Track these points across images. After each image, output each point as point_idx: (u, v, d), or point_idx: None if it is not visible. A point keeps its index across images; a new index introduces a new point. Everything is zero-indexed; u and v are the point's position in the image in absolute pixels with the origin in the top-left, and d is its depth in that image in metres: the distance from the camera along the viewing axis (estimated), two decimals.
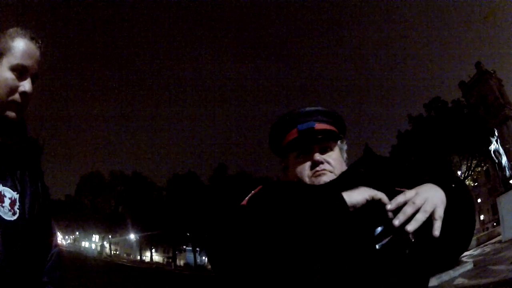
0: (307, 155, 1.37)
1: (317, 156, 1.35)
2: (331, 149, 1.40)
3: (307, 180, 1.35)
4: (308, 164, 1.36)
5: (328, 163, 1.36)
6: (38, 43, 1.40)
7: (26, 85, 1.34)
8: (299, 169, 1.37)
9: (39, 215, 1.42)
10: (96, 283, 21.35)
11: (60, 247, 1.60)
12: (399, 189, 1.28)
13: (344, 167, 1.41)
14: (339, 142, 1.45)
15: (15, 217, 1.30)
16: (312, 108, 1.43)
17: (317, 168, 1.34)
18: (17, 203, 1.33)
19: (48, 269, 1.48)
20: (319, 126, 1.39)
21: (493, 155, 20.43)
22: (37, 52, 1.38)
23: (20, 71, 1.33)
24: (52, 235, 1.55)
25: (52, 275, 1.48)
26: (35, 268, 1.40)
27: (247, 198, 1.35)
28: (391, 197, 1.19)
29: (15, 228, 1.29)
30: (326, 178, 1.33)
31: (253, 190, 1.41)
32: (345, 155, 1.47)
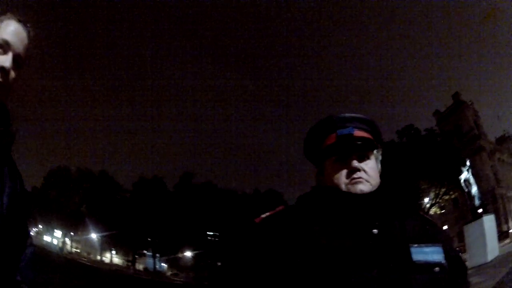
0: (344, 162, 1.36)
1: (355, 163, 1.33)
2: (368, 158, 1.39)
3: (343, 187, 1.33)
4: (345, 170, 1.35)
5: (365, 171, 1.34)
6: (27, 26, 1.36)
7: (5, 61, 1.27)
8: (335, 175, 1.36)
9: (17, 212, 1.36)
10: (59, 279, 20.95)
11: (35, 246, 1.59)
12: (423, 214, 1.43)
13: (378, 177, 1.40)
14: (375, 151, 1.44)
15: None
16: (352, 115, 1.42)
17: (354, 176, 1.32)
18: None
19: (23, 268, 1.43)
20: (358, 133, 1.38)
21: (463, 184, 21.00)
22: (23, 34, 1.34)
23: (2, 46, 1.28)
24: (27, 234, 1.52)
25: (26, 274, 1.44)
26: (9, 266, 1.35)
27: (263, 216, 1.36)
28: (419, 221, 1.36)
29: None
30: (363, 186, 1.31)
31: (269, 209, 1.40)
32: (379, 165, 1.46)
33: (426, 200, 41.66)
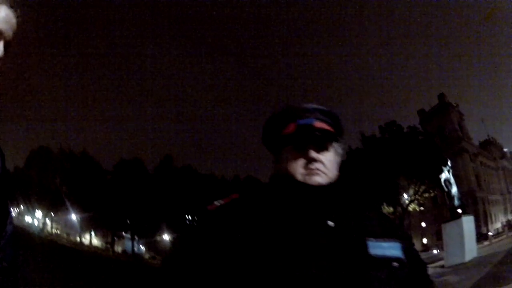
0: (302, 151, 1.31)
1: (313, 154, 1.30)
2: (327, 150, 1.34)
3: (299, 177, 1.29)
4: (302, 160, 1.31)
5: (323, 163, 1.31)
6: (17, 11, 1.30)
7: None
8: (292, 164, 1.32)
9: None
10: (40, 261, 20.77)
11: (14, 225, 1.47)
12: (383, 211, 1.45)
13: (336, 171, 1.37)
14: (335, 144, 1.39)
15: None
16: (314, 106, 1.40)
17: (311, 166, 1.29)
18: None
19: (3, 246, 1.36)
20: (318, 124, 1.34)
21: (443, 184, 21.17)
22: (13, 19, 1.29)
23: None
24: (8, 213, 1.44)
25: (6, 251, 1.37)
26: None
27: (217, 203, 1.32)
28: (378, 216, 1.37)
29: None
30: (319, 178, 1.28)
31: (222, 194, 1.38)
32: (339, 159, 1.41)
33: (405, 196, 41.76)
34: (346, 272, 1.12)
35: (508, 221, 52.75)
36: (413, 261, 1.31)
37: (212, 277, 1.15)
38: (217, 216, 1.27)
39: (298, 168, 1.30)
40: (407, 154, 38.22)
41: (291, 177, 1.30)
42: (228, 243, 1.17)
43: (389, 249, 1.23)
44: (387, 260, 1.20)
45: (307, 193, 1.25)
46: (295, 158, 1.31)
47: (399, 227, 1.41)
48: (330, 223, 1.21)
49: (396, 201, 41.28)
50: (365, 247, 1.19)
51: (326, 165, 1.31)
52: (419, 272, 1.34)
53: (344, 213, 1.27)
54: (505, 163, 72.15)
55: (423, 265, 1.39)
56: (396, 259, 1.22)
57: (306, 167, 1.29)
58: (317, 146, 1.32)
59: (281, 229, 1.17)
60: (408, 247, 1.31)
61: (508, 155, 73.97)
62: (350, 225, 1.24)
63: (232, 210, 1.27)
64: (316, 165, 1.29)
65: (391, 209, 41.75)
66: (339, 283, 1.10)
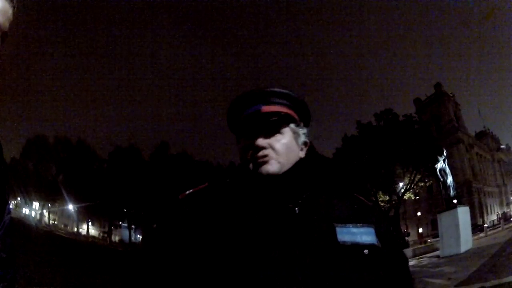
0: (252, 140, 1.27)
1: (259, 141, 1.24)
2: (280, 133, 1.29)
3: (251, 167, 1.26)
4: (251, 149, 1.26)
5: (273, 148, 1.25)
6: (13, 1, 1.32)
7: None
8: (244, 155, 1.29)
9: None
10: (37, 251, 20.79)
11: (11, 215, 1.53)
12: (358, 195, 1.33)
13: (297, 153, 1.32)
14: (293, 125, 1.32)
15: None
16: (263, 90, 1.32)
17: (259, 154, 1.24)
18: None
19: (1, 237, 1.40)
20: (266, 108, 1.28)
21: (438, 173, 21.18)
22: (9, 11, 1.30)
23: None
24: (6, 203, 1.46)
25: (4, 242, 1.41)
26: None
27: (187, 192, 1.32)
28: (350, 201, 1.29)
29: None
30: (269, 166, 1.23)
31: (197, 183, 1.36)
32: (302, 139, 1.36)
33: (401, 184, 41.84)
34: (314, 259, 1.10)
35: (504, 213, 52.69)
36: (388, 246, 1.24)
37: (183, 264, 1.15)
38: (186, 204, 1.27)
39: (249, 158, 1.27)
40: (403, 142, 38.20)
41: (246, 168, 1.28)
42: (195, 230, 1.17)
43: (360, 235, 1.18)
44: (357, 247, 1.15)
45: (259, 183, 1.23)
46: (246, 148, 1.28)
47: (374, 210, 1.31)
48: (296, 209, 1.18)
49: (391, 189, 41.33)
50: (333, 233, 1.16)
51: (277, 149, 1.26)
52: (393, 257, 1.26)
53: (310, 198, 1.23)
54: (501, 155, 72.21)
55: (400, 253, 1.34)
56: (368, 246, 1.17)
57: (255, 156, 1.25)
58: (265, 132, 1.27)
59: (243, 217, 1.16)
60: (384, 232, 1.25)
61: (505, 148, 74.07)
62: (317, 211, 1.20)
63: (200, 198, 1.27)
64: (265, 151, 1.24)
65: (387, 197, 41.94)
66: (303, 270, 1.08)
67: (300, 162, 1.31)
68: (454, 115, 63.51)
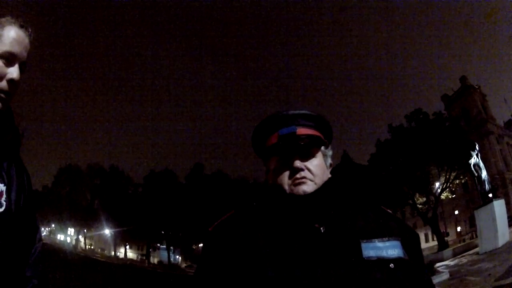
0: (287, 161, 1.31)
1: (297, 163, 1.29)
2: (313, 156, 1.34)
3: (286, 188, 1.29)
4: (288, 171, 1.31)
5: (309, 170, 1.30)
6: (28, 31, 1.36)
7: (14, 72, 1.30)
8: (279, 175, 1.32)
9: (25, 208, 1.40)
10: (72, 277, 21.19)
11: (43, 241, 1.59)
12: (384, 208, 1.36)
13: (327, 174, 1.37)
14: (323, 148, 1.39)
15: (1, 210, 1.27)
16: (295, 112, 1.38)
17: (297, 176, 1.28)
18: (4, 196, 1.31)
19: (32, 263, 1.46)
20: (301, 131, 1.34)
21: (472, 169, 20.72)
22: (26, 40, 1.35)
23: (8, 59, 1.30)
24: (36, 229, 1.54)
25: (36, 269, 1.46)
26: (20, 261, 1.38)
27: (216, 223, 1.35)
28: (376, 215, 1.30)
29: (1, 220, 1.26)
30: (306, 187, 1.27)
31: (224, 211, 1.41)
32: (329, 161, 1.42)
33: (437, 184, 41.14)
34: (338, 277, 1.10)
35: None
36: (414, 258, 1.25)
37: None
38: (215, 234, 1.30)
39: (284, 179, 1.30)
40: (435, 141, 37.60)
41: (279, 188, 1.30)
42: (225, 259, 1.20)
43: (386, 249, 1.19)
44: (383, 261, 1.16)
45: (293, 203, 1.25)
46: (281, 168, 1.32)
47: (401, 223, 1.34)
48: (321, 228, 1.20)
49: (428, 190, 40.68)
50: (358, 249, 1.16)
51: (313, 171, 1.30)
52: (417, 272, 1.25)
53: (336, 216, 1.25)
54: None
55: (422, 266, 1.31)
56: (394, 260, 1.17)
57: (291, 177, 1.29)
58: (301, 154, 1.32)
59: (272, 239, 1.18)
60: (409, 244, 1.26)
61: None
62: (342, 228, 1.22)
63: (228, 227, 1.29)
64: (302, 173, 1.28)
65: (424, 199, 41.33)
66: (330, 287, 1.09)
67: (327, 182, 1.34)
68: (481, 106, 62.25)
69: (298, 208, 1.24)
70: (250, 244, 1.19)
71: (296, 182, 1.27)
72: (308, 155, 1.32)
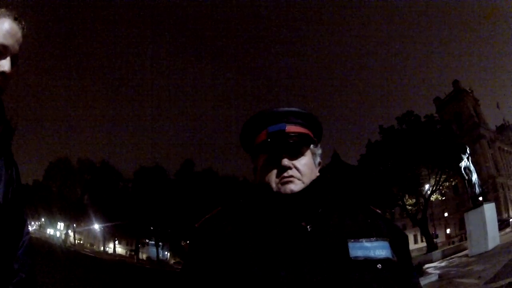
0: (275, 159, 1.29)
1: (285, 162, 1.26)
2: (302, 154, 1.32)
3: (274, 186, 1.26)
4: (276, 169, 1.28)
5: (297, 169, 1.28)
6: (21, 24, 1.36)
7: (5, 65, 1.30)
8: (266, 173, 1.30)
9: (13, 201, 1.39)
10: (61, 271, 21.10)
11: (31, 235, 1.58)
12: (374, 208, 1.34)
13: (315, 173, 1.34)
14: (312, 146, 1.36)
15: None
16: (285, 109, 1.35)
17: (284, 174, 1.26)
18: None
19: (20, 256, 1.45)
20: (290, 128, 1.31)
21: (463, 172, 20.84)
22: (19, 33, 1.35)
23: (0, 51, 1.30)
24: (24, 222, 1.53)
25: (23, 262, 1.47)
26: (7, 255, 1.38)
27: (203, 219, 1.34)
28: (365, 214, 1.28)
29: None
30: (293, 186, 1.25)
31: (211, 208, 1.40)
32: (318, 160, 1.40)
33: (427, 186, 41.39)
34: (324, 275, 1.09)
35: None
36: (403, 259, 1.24)
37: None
38: (201, 231, 1.29)
39: (272, 177, 1.28)
40: (426, 143, 37.86)
41: (266, 187, 1.28)
42: (211, 255, 1.19)
43: (374, 249, 1.16)
44: (370, 262, 1.14)
45: (280, 202, 1.23)
46: (269, 166, 1.30)
47: (389, 223, 1.31)
48: (308, 227, 1.19)
49: (418, 192, 40.94)
50: (345, 249, 1.14)
51: (301, 170, 1.28)
52: (405, 273, 1.24)
53: (323, 215, 1.24)
54: None
55: (410, 268, 1.31)
56: (382, 260, 1.15)
57: (279, 175, 1.27)
58: (290, 152, 1.29)
59: (258, 236, 1.17)
60: (398, 244, 1.25)
61: None
62: (329, 227, 1.20)
63: (214, 223, 1.28)
64: (290, 172, 1.26)
65: (414, 200, 41.58)
66: (316, 287, 1.07)
67: (315, 181, 1.31)
68: (474, 111, 62.82)
69: (284, 206, 1.23)
70: (236, 242, 1.18)
71: (283, 181, 1.26)
72: (296, 154, 1.31)
